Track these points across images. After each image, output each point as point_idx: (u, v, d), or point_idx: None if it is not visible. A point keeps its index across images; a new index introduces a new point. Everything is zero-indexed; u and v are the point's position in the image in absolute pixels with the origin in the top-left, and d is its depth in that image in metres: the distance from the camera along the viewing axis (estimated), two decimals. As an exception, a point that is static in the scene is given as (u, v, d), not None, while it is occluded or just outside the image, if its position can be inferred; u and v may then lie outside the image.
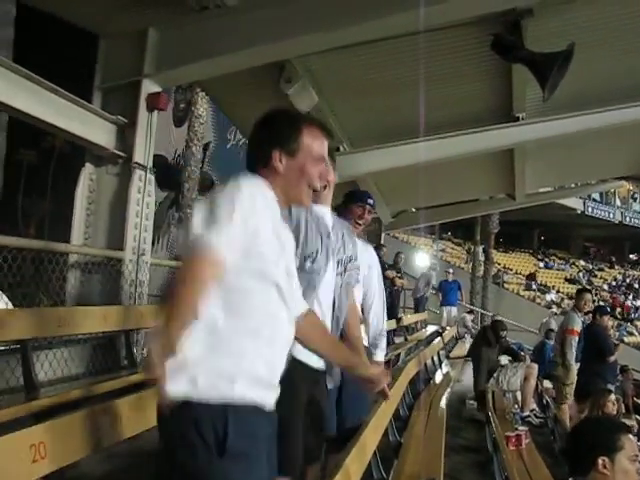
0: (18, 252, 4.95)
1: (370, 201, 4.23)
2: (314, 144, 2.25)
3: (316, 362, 2.95)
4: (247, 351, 2.02)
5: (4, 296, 5.22)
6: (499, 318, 10.95)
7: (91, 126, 6.34)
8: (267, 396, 2.09)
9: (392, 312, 12.36)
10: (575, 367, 8.40)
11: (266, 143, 2.22)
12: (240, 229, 1.95)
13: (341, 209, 4.10)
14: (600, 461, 2.77)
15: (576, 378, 8.39)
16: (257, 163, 2.23)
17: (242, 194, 1.99)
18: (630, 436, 2.91)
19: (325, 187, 3.18)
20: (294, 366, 2.79)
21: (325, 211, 3.22)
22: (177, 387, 1.91)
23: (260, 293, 2.07)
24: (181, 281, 1.90)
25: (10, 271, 4.98)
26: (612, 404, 6.62)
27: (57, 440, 2.77)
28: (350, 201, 4.16)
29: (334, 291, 3.17)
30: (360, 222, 4.15)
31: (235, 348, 2.00)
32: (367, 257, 4.15)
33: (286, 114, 2.34)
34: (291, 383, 2.82)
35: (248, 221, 1.97)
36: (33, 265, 5.37)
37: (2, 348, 4.79)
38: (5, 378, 4.63)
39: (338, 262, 3.22)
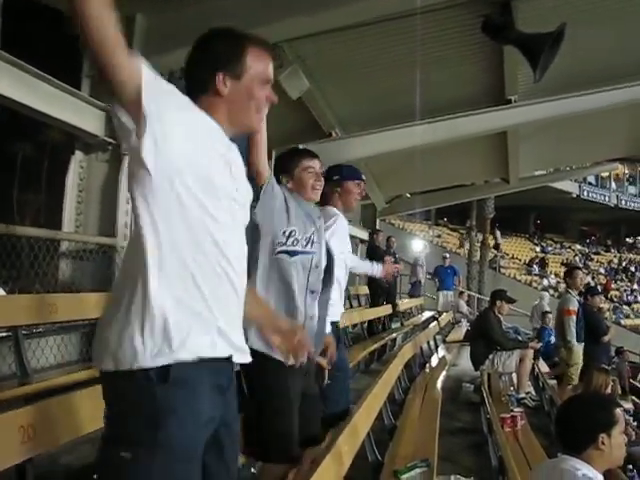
0: (8, 239, 4.95)
1: (364, 176, 4.24)
2: (260, 65, 2.04)
3: None
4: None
5: (-4, 282, 5.22)
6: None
7: (80, 113, 6.31)
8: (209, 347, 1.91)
9: (390, 297, 12.39)
10: (578, 347, 8.37)
11: (208, 66, 2.01)
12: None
13: (333, 187, 4.06)
14: (600, 438, 2.80)
15: (581, 359, 8.36)
16: (198, 88, 2.02)
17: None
18: (618, 409, 2.93)
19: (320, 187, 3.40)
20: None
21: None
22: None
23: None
24: None
25: (9, 259, 5.01)
26: (609, 384, 6.63)
27: (46, 422, 2.77)
28: (346, 178, 4.12)
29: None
30: (358, 198, 4.16)
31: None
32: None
33: (228, 33, 2.09)
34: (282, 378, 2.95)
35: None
36: (32, 252, 5.37)
37: (-6, 335, 4.79)
38: (-3, 365, 4.64)
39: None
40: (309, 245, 3.21)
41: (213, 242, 1.90)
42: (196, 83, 2.03)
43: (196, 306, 1.87)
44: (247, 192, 2.13)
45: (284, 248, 3.12)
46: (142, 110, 1.74)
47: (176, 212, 1.84)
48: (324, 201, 3.96)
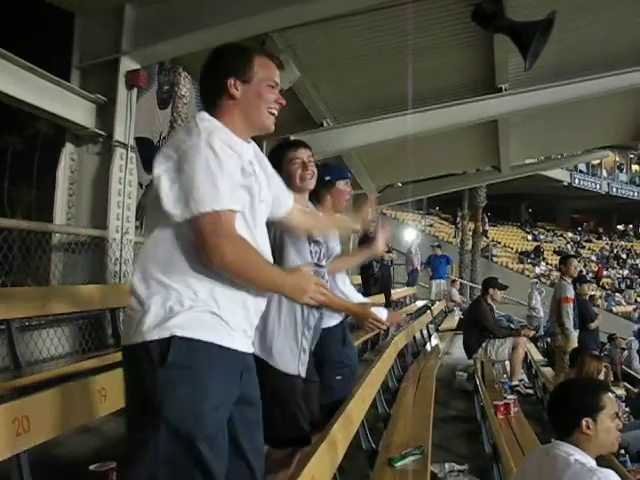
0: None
1: (349, 174, 4.20)
2: (266, 70, 2.33)
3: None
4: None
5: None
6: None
7: (70, 105, 6.29)
8: (227, 338, 2.18)
9: (386, 287, 12.39)
10: (575, 334, 8.39)
11: (220, 73, 2.29)
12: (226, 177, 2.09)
13: (327, 189, 4.00)
14: (584, 422, 2.80)
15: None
16: (213, 95, 2.31)
17: (208, 146, 2.09)
18: (609, 394, 2.94)
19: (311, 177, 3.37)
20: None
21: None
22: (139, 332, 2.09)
23: None
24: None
25: (1, 252, 4.99)
26: (601, 370, 6.65)
27: (41, 414, 2.77)
28: (336, 178, 4.03)
29: None
30: (348, 198, 4.11)
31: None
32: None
33: (236, 45, 2.43)
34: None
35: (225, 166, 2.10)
36: (24, 245, 5.36)
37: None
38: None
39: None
40: (324, 260, 3.33)
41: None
42: (211, 89, 2.32)
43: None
44: (268, 189, 2.43)
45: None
46: None
47: None
48: (315, 202, 3.94)
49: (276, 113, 2.36)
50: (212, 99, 2.30)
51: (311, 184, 3.39)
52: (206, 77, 2.35)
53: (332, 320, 3.77)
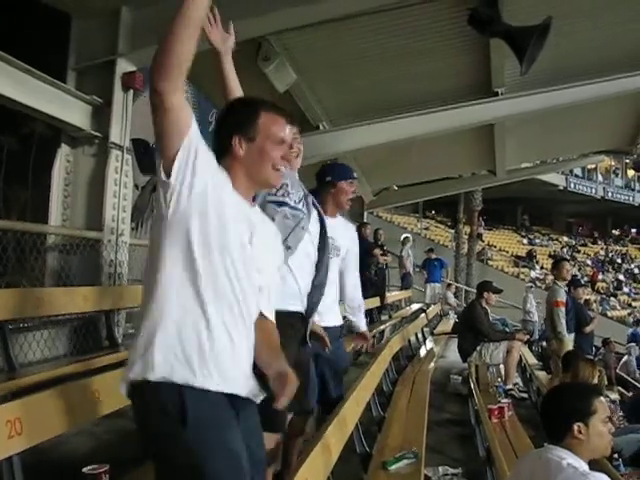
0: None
1: (355, 174, 4.16)
2: (272, 127, 2.27)
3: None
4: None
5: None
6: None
7: (66, 106, 6.26)
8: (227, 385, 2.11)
9: (381, 290, 12.39)
10: (569, 338, 8.38)
11: (226, 131, 2.27)
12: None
13: (327, 189, 3.97)
14: (576, 427, 2.81)
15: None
16: (221, 151, 2.26)
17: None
18: (601, 398, 2.95)
19: (297, 156, 3.34)
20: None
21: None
22: (136, 371, 2.04)
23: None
24: None
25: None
26: (595, 375, 6.65)
27: (33, 416, 2.76)
28: (338, 178, 4.00)
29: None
30: (351, 199, 4.08)
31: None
32: (349, 236, 4.14)
33: (243, 101, 2.42)
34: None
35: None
36: (19, 247, 5.34)
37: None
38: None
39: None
40: (301, 204, 3.20)
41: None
42: (219, 146, 2.28)
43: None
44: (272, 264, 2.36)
45: (273, 198, 3.09)
46: (181, 145, 2.03)
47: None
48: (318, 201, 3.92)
49: (283, 170, 2.32)
50: (220, 156, 2.24)
51: (297, 162, 3.36)
52: (216, 133, 2.33)
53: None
